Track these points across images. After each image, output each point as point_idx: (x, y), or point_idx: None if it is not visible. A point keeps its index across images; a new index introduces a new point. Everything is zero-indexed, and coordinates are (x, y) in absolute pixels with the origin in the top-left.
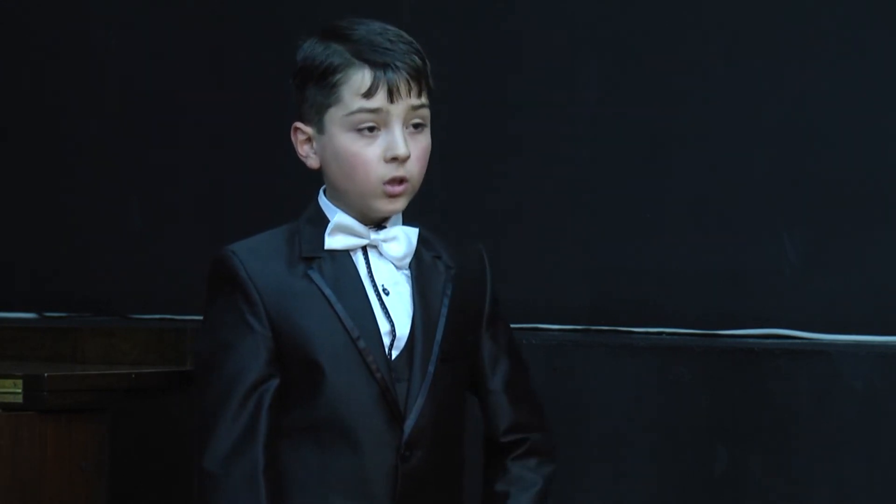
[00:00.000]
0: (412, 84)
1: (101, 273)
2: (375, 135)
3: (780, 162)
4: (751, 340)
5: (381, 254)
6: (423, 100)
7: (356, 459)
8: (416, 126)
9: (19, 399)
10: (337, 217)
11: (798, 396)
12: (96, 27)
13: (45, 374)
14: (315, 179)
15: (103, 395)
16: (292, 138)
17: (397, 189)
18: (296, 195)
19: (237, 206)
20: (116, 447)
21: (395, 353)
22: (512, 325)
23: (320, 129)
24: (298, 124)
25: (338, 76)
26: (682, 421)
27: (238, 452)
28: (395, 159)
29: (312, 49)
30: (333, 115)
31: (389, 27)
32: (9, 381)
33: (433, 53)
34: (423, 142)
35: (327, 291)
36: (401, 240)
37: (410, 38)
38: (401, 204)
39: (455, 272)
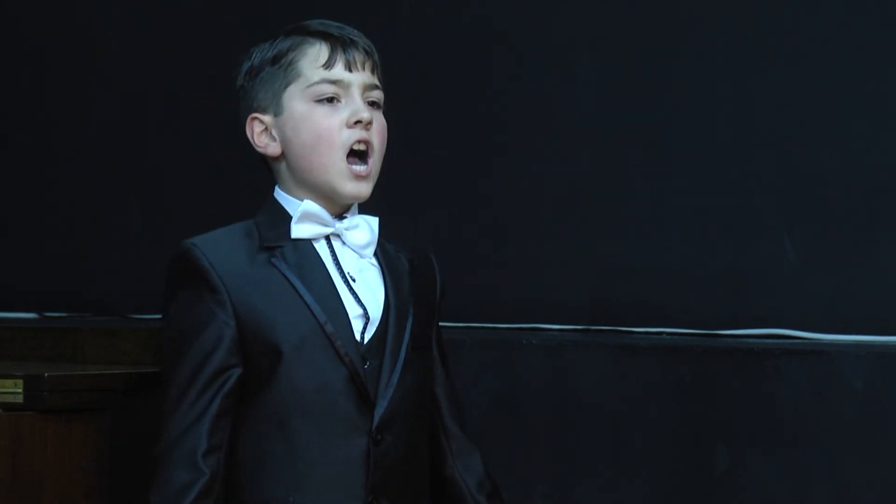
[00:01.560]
0: (367, 59)
1: (101, 273)
2: (336, 105)
3: (780, 162)
4: (751, 340)
5: (343, 242)
6: (377, 80)
7: (328, 447)
8: (371, 104)
9: (20, 399)
10: (304, 205)
11: (798, 396)
12: (96, 27)
13: (46, 374)
14: None
15: (103, 395)
16: (248, 133)
17: (363, 170)
18: None
19: (237, 206)
20: (116, 447)
21: (367, 337)
22: (512, 326)
23: (278, 110)
24: (255, 115)
25: (293, 53)
26: (682, 421)
27: (183, 436)
28: (358, 123)
29: (260, 48)
30: (293, 91)
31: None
32: (9, 381)
33: (433, 52)
34: (381, 119)
35: (292, 278)
36: (363, 228)
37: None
38: (366, 187)
39: (415, 265)
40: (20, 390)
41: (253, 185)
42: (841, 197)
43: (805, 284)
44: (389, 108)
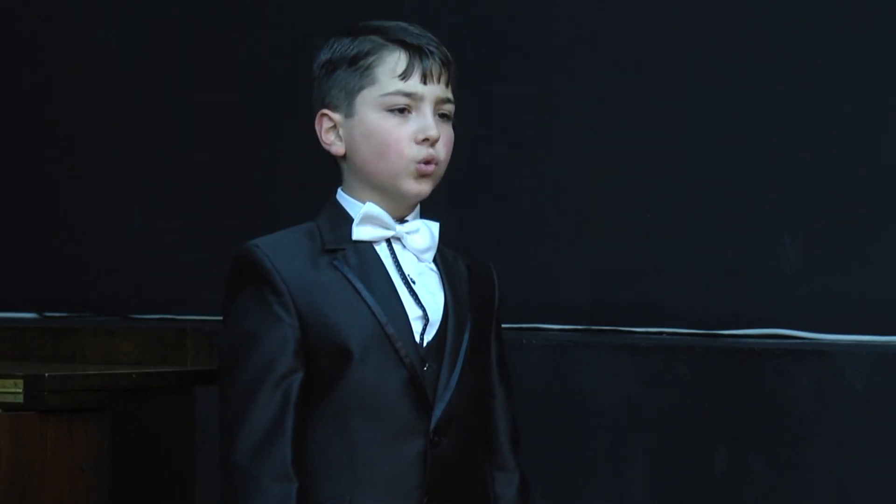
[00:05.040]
0: (443, 71)
1: (101, 273)
2: (406, 116)
3: (780, 162)
4: (751, 340)
5: (404, 246)
6: (450, 94)
7: (385, 447)
8: (441, 116)
9: (20, 399)
10: (367, 207)
11: (798, 396)
12: (96, 27)
13: (46, 375)
14: (314, 180)
15: (103, 395)
16: (316, 127)
17: (428, 168)
18: (296, 195)
19: (237, 206)
20: (116, 447)
21: (427, 339)
22: (512, 325)
23: (349, 112)
24: (326, 111)
25: (372, 58)
26: (682, 421)
27: (267, 445)
28: (426, 140)
29: (340, 42)
30: (366, 97)
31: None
32: (9, 381)
33: None
34: (450, 132)
35: (354, 280)
36: (423, 233)
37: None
38: (427, 187)
39: (473, 272)
40: (20, 390)
41: (254, 185)
42: (841, 197)
43: (805, 284)
44: None
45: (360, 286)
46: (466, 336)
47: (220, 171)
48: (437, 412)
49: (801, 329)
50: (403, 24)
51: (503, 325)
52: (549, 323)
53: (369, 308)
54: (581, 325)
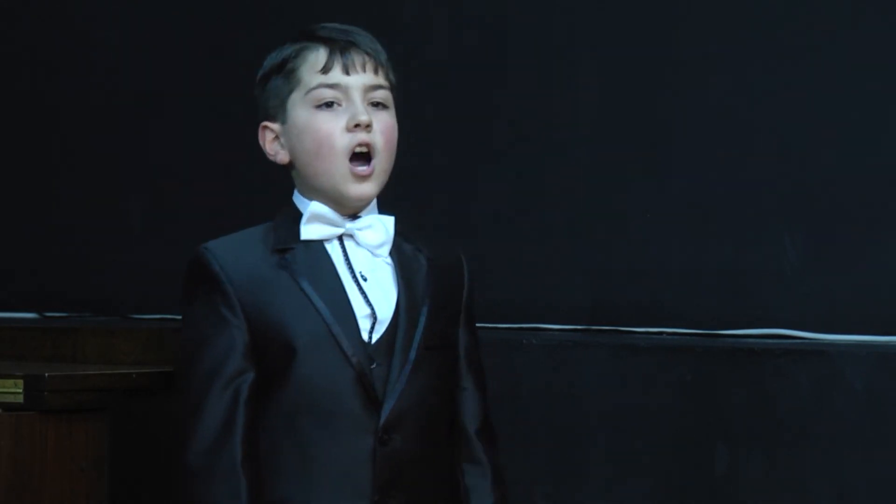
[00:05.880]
0: (368, 60)
1: (101, 273)
2: (336, 110)
3: (780, 162)
4: (751, 340)
5: (357, 243)
6: (382, 80)
7: (335, 446)
8: (375, 105)
9: (20, 399)
10: (312, 206)
11: (798, 396)
12: (96, 27)
13: (46, 375)
14: None
15: (103, 395)
16: (260, 140)
17: (364, 170)
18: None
19: (237, 206)
20: (116, 447)
21: (375, 338)
22: (512, 325)
23: (284, 118)
24: (265, 123)
25: (295, 61)
26: (682, 421)
27: (218, 445)
28: (357, 126)
29: (270, 55)
30: (295, 99)
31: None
32: (10, 381)
33: (435, 53)
34: (386, 119)
35: (301, 280)
36: (376, 228)
37: (371, 35)
38: (370, 188)
39: (435, 264)
40: (20, 390)
41: (253, 184)
42: (841, 197)
43: (805, 284)
44: None
45: (306, 286)
46: (419, 332)
47: (220, 171)
48: (386, 410)
49: (801, 329)
50: (331, 24)
51: (503, 325)
52: (549, 323)
53: (315, 308)
54: (581, 325)
